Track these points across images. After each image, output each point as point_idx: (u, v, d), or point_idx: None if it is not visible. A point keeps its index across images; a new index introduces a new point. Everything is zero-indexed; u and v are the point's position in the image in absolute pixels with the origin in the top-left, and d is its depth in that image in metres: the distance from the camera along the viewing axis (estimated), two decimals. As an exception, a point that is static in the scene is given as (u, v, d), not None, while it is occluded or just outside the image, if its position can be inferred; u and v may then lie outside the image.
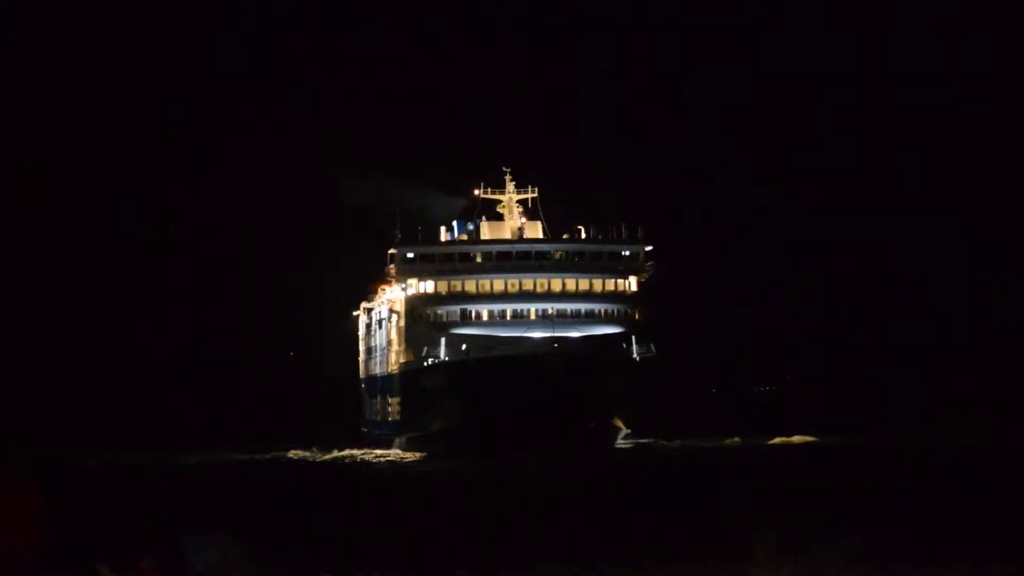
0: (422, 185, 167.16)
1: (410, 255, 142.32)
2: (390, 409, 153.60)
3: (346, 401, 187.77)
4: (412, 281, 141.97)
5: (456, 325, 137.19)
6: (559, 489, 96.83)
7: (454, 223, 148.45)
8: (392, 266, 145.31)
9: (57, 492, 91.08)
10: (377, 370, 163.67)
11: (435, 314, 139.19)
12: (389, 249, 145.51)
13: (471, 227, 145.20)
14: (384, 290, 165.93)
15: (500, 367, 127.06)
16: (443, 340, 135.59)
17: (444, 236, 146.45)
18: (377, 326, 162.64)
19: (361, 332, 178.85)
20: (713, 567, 49.79)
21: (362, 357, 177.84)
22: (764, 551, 49.53)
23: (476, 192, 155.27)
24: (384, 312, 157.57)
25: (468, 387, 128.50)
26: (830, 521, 62.61)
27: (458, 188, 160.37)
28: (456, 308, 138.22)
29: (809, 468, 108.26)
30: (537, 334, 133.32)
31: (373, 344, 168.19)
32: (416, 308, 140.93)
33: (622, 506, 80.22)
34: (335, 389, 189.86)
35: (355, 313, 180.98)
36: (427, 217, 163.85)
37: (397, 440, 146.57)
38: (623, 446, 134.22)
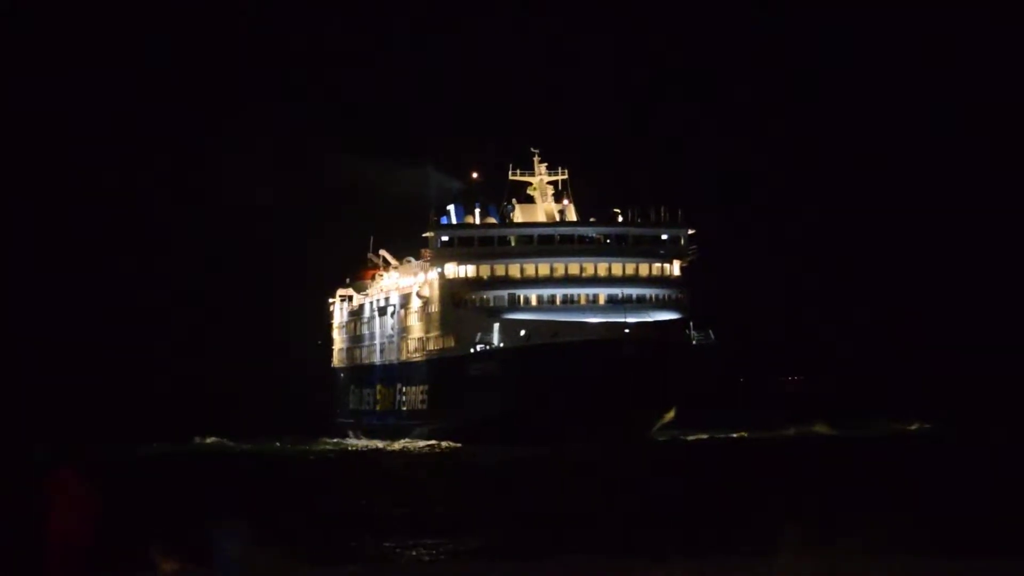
0: (408, 164, 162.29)
1: (445, 238, 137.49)
2: (404, 399, 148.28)
3: (308, 392, 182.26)
4: (450, 266, 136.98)
5: (505, 311, 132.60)
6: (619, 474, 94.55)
7: (450, 207, 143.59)
8: (426, 249, 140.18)
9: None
10: (375, 359, 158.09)
11: (481, 299, 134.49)
12: (424, 232, 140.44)
13: (508, 208, 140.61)
14: (381, 276, 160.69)
15: (572, 353, 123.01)
16: (496, 326, 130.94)
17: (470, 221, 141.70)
18: (377, 313, 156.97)
19: (338, 320, 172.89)
20: (737, 557, 47.88)
21: (341, 346, 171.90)
22: (789, 542, 47.89)
23: (475, 175, 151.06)
24: (394, 298, 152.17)
25: (536, 373, 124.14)
26: (855, 512, 61.60)
27: (453, 170, 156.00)
28: (504, 293, 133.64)
29: (832, 459, 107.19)
30: (593, 319, 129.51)
31: (365, 332, 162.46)
32: (458, 293, 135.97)
33: (649, 494, 78.63)
34: (302, 379, 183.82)
35: (330, 300, 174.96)
36: (412, 202, 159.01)
37: (419, 430, 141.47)
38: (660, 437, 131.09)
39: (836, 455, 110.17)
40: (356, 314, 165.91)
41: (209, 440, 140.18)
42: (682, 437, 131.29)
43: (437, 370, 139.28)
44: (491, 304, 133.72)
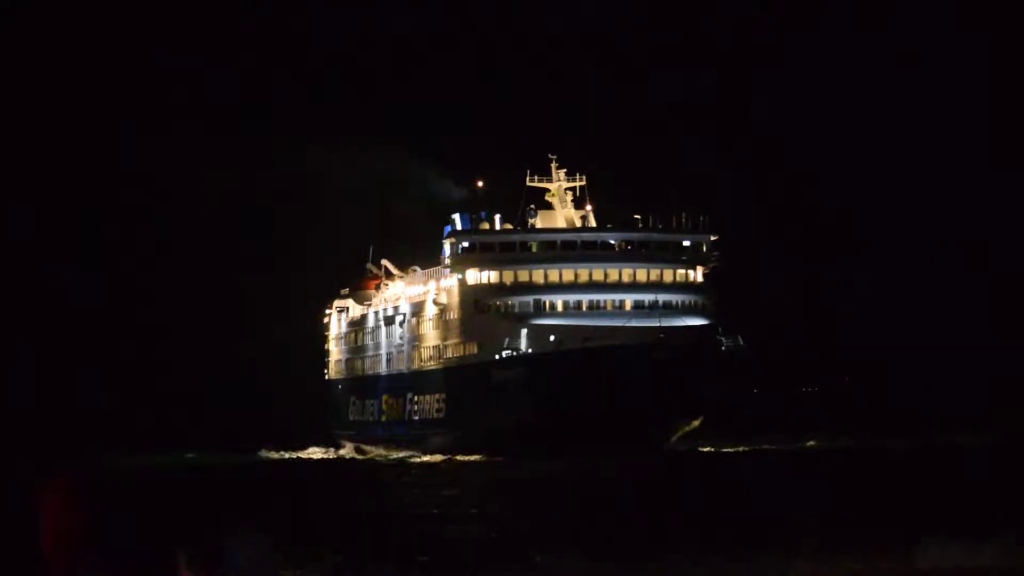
0: (409, 170, 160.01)
1: (466, 244, 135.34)
2: (416, 408, 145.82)
3: (302, 403, 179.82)
4: (471, 272, 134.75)
5: (531, 316, 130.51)
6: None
7: (455, 216, 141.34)
8: (447, 256, 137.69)
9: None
10: (380, 368, 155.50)
11: (506, 305, 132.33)
12: (429, 240, 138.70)
13: (531, 212, 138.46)
14: (386, 285, 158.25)
15: (607, 358, 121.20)
16: (524, 331, 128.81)
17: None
18: (384, 323, 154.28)
19: (335, 331, 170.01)
20: (753, 565, 47.27)
21: (339, 357, 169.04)
22: (806, 550, 47.41)
23: (480, 183, 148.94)
24: (403, 307, 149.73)
25: (569, 378, 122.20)
26: (869, 520, 61.20)
27: (457, 176, 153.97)
28: (529, 299, 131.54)
29: (846, 470, 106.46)
30: (622, 324, 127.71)
31: (368, 342, 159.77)
32: (481, 299, 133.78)
33: (663, 504, 77.71)
34: (295, 390, 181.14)
35: (327, 311, 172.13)
36: (412, 210, 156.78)
37: (433, 440, 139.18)
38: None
39: (846, 465, 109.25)
40: (357, 324, 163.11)
41: (192, 455, 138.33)
42: (699, 448, 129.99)
43: (457, 377, 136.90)
44: (516, 310, 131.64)
